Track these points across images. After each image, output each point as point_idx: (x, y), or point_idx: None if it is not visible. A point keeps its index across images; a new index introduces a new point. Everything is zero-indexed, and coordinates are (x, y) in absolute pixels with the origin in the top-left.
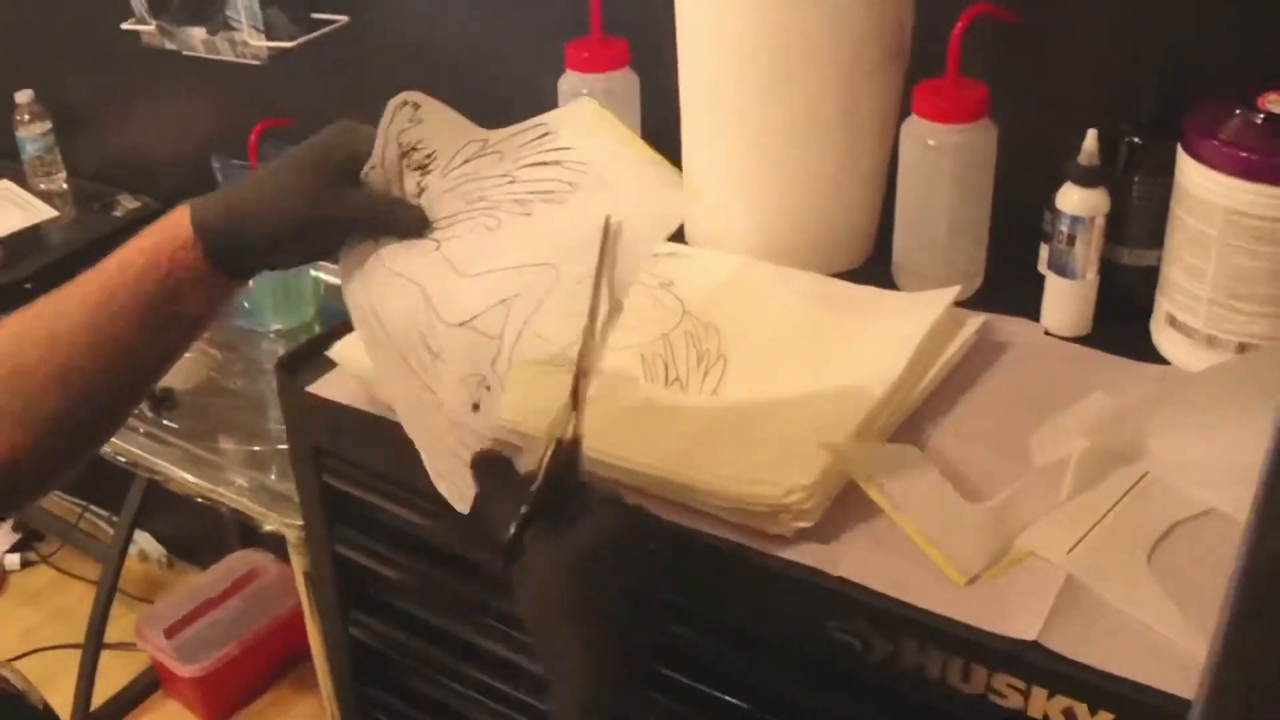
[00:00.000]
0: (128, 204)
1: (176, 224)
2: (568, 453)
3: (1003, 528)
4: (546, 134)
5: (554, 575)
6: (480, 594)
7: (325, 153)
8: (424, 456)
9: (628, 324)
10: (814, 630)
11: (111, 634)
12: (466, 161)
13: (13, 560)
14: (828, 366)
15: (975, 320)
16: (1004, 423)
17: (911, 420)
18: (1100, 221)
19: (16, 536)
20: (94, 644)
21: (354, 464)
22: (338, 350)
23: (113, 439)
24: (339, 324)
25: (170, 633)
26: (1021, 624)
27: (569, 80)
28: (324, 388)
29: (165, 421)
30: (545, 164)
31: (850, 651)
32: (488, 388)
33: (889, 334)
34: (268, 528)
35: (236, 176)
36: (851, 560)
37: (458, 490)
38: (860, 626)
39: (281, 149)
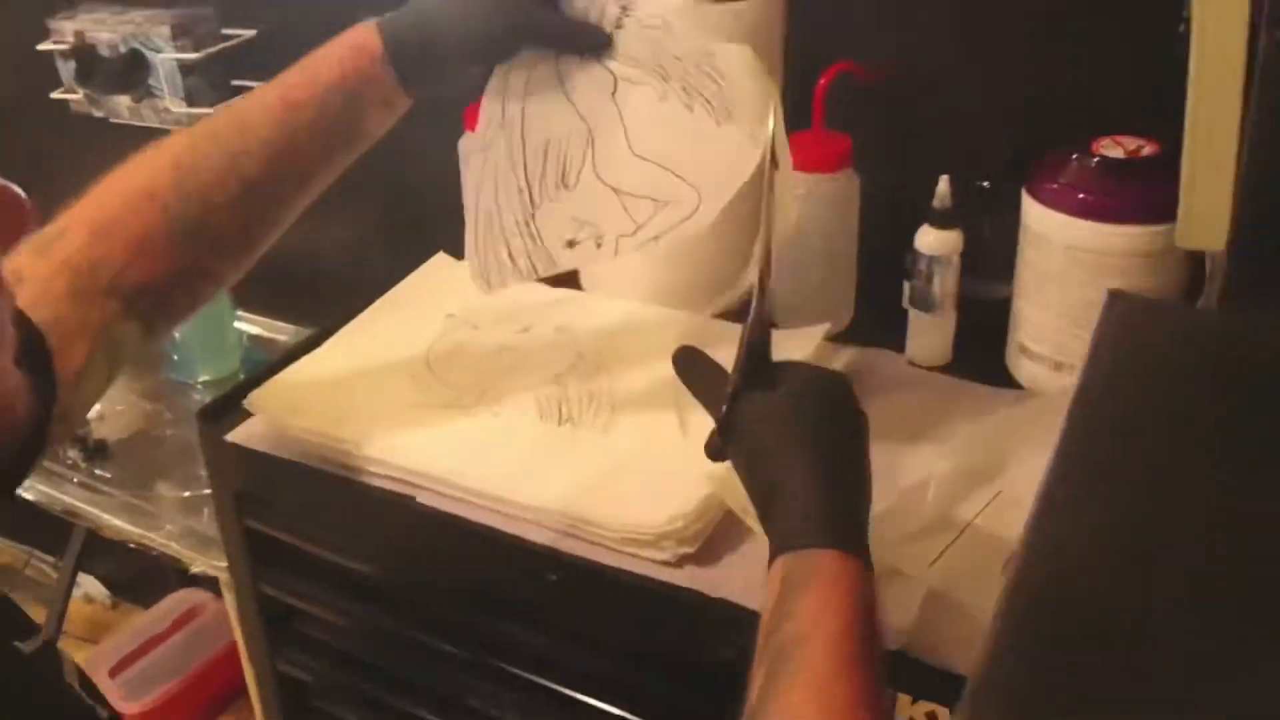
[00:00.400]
0: None
1: (366, 38)
2: (760, 336)
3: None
4: (713, 54)
5: (764, 423)
6: (405, 627)
7: None
8: (471, 235)
9: (525, 366)
10: (698, 647)
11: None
12: (663, 24)
13: None
14: None
15: (844, 354)
16: (872, 449)
17: None
18: (955, 260)
19: None
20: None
21: (274, 507)
22: (254, 399)
23: (49, 490)
24: (258, 373)
25: (115, 672)
26: (889, 636)
27: (470, 140)
28: (243, 435)
29: (99, 472)
30: (711, 78)
31: (731, 666)
32: (597, 244)
33: None
34: (195, 570)
35: None
36: (732, 582)
37: (485, 274)
38: (740, 643)
39: None
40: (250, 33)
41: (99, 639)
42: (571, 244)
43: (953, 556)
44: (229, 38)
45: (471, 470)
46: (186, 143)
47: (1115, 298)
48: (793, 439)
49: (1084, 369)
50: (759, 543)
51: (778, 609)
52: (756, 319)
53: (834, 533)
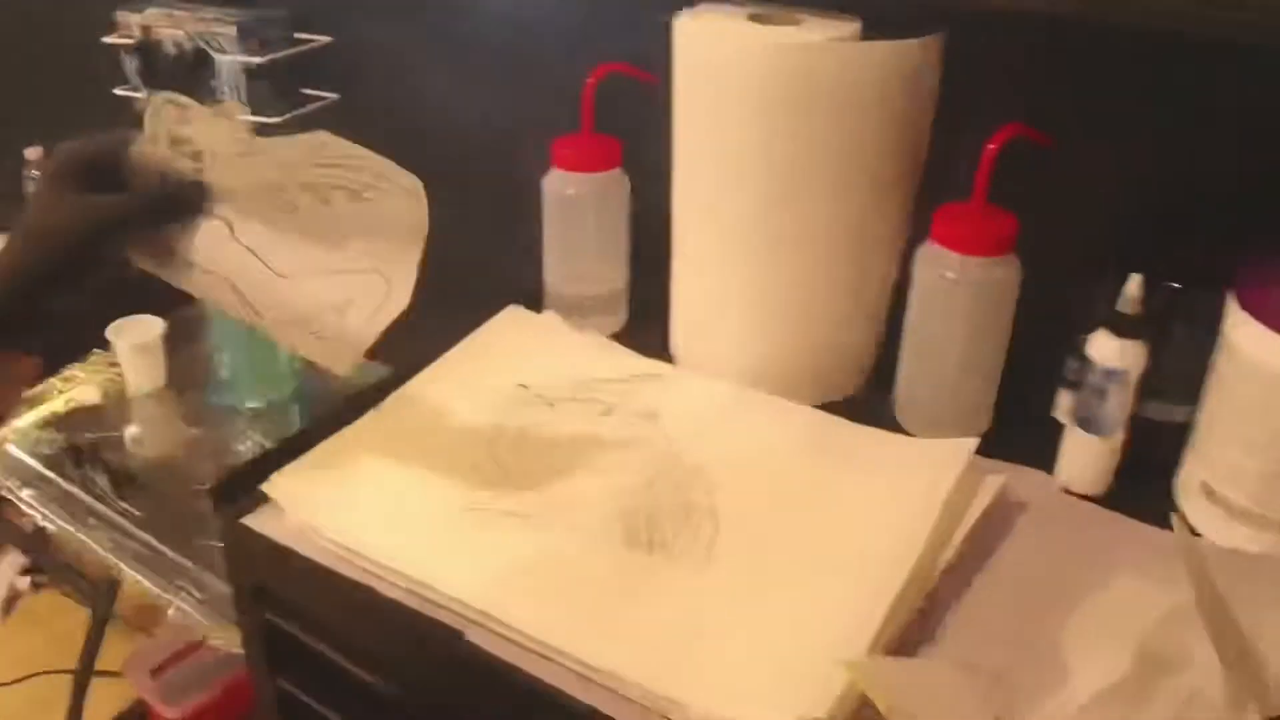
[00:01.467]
0: None
1: None
2: None
3: None
4: (325, 145)
5: None
6: None
7: (63, 167)
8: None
9: (607, 465)
10: None
11: (110, 660)
12: (248, 147)
13: (23, 583)
14: (835, 535)
15: (994, 481)
16: (1028, 608)
17: (927, 604)
18: (1136, 375)
19: (28, 560)
20: (82, 680)
21: (297, 606)
22: (275, 485)
23: (65, 525)
24: (277, 449)
25: (157, 672)
26: None
27: (554, 178)
28: (262, 521)
29: (126, 506)
30: (336, 166)
31: None
32: None
33: (903, 497)
34: (213, 642)
35: None
36: None
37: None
38: None
39: None
40: (324, 39)
41: (152, 627)
42: None
43: None
44: (300, 43)
45: (533, 612)
46: None
47: None
48: None
49: None
50: None
51: None
52: None
53: None
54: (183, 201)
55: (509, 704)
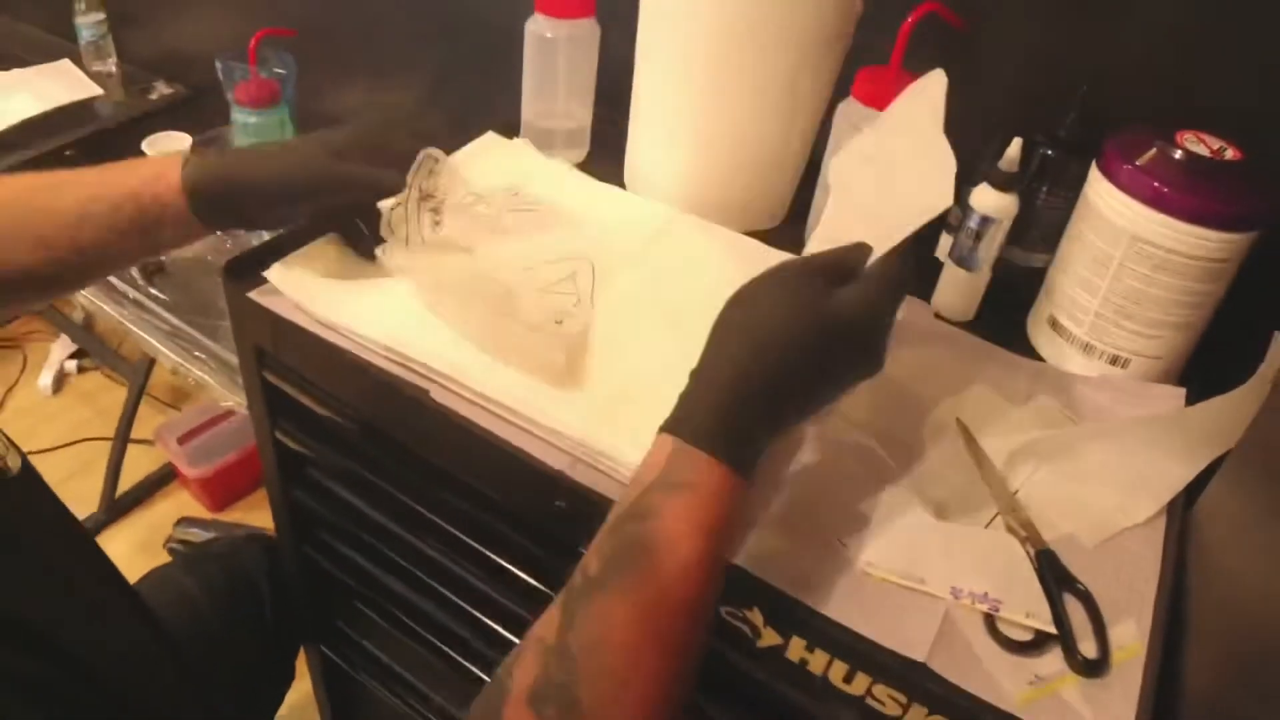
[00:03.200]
0: (163, 89)
1: (166, 172)
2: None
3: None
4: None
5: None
6: (407, 498)
7: (327, 135)
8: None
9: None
10: None
11: (143, 430)
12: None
13: (71, 365)
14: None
15: None
16: (897, 403)
17: None
18: (1007, 224)
19: (75, 346)
20: (120, 445)
21: (291, 366)
22: (274, 272)
23: (104, 306)
24: (284, 236)
25: (183, 440)
26: (914, 643)
27: (535, 22)
28: (265, 295)
29: (154, 291)
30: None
31: (738, 636)
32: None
33: None
34: (224, 405)
35: (236, 75)
36: (748, 546)
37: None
38: (752, 617)
39: (279, 55)
40: None
41: (177, 404)
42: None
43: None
44: None
45: (489, 376)
46: (29, 182)
47: None
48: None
49: None
50: (785, 502)
51: (647, 495)
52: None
53: (733, 448)
54: (387, 186)
55: (460, 448)
